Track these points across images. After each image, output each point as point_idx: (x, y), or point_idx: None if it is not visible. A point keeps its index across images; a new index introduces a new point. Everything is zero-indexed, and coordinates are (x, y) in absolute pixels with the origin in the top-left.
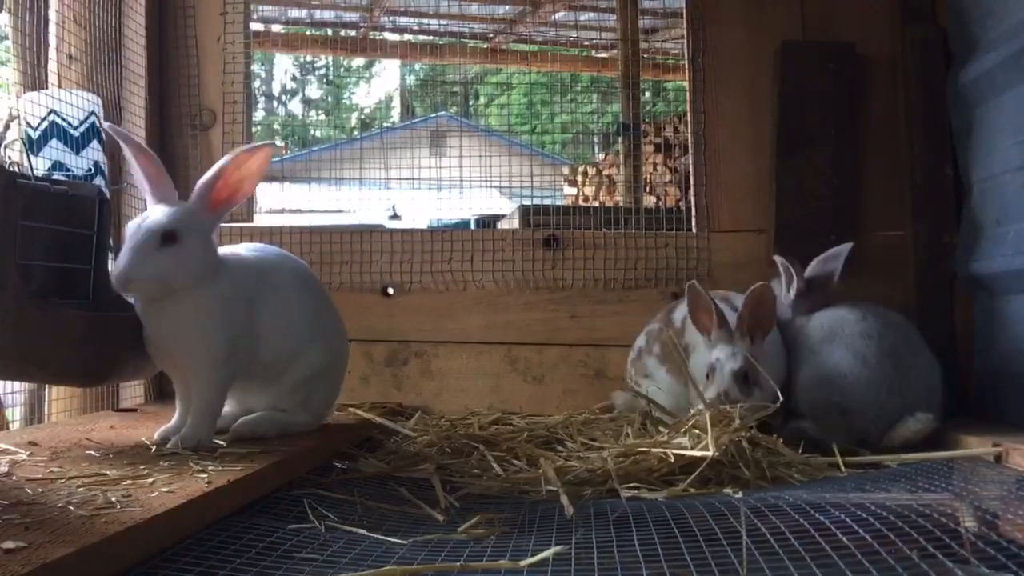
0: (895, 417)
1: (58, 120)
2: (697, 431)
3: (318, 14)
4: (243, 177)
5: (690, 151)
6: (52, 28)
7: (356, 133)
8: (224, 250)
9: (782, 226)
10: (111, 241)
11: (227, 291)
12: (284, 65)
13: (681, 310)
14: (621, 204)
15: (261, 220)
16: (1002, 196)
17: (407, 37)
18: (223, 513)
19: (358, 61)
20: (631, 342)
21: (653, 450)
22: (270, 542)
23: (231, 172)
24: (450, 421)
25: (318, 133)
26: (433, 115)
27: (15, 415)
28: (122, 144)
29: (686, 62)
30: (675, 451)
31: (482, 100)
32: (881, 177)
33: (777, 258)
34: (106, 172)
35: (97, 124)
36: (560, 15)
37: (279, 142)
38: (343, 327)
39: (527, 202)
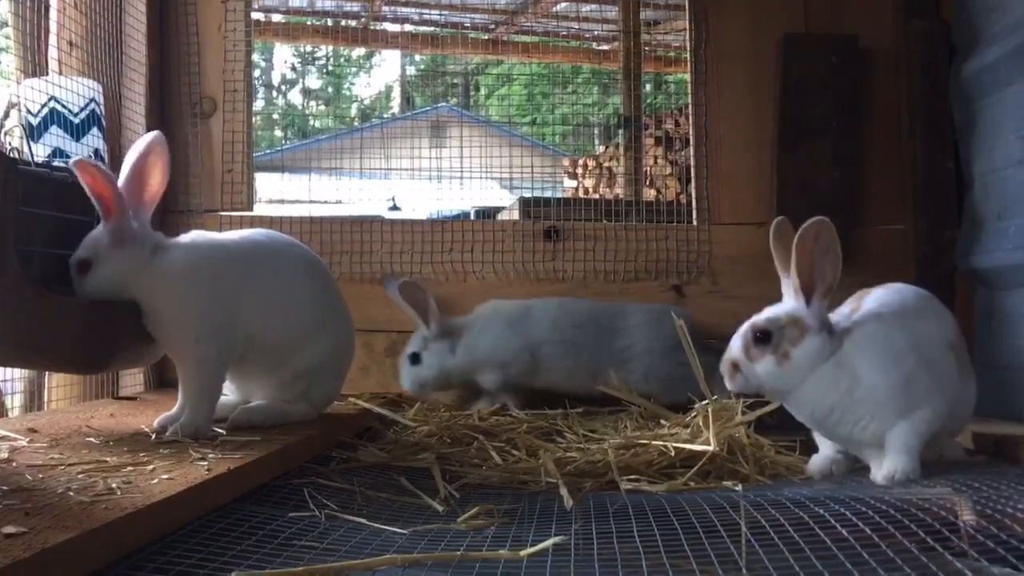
0: None
1: (58, 107)
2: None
3: (319, 3)
4: (144, 174)
5: (691, 144)
6: (53, 14)
7: (356, 123)
8: (208, 234)
9: None
10: None
11: (176, 271)
12: (284, 55)
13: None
14: (621, 197)
15: (261, 210)
16: (1004, 190)
17: (408, 28)
18: (223, 500)
19: (358, 51)
20: None
21: (653, 443)
22: (270, 530)
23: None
24: (450, 411)
25: (318, 123)
26: (433, 106)
27: (14, 402)
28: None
29: (688, 55)
30: (676, 444)
31: (482, 92)
32: (882, 171)
33: None
34: (106, 159)
35: (97, 111)
36: (561, 7)
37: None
38: (350, 322)
39: (527, 194)
